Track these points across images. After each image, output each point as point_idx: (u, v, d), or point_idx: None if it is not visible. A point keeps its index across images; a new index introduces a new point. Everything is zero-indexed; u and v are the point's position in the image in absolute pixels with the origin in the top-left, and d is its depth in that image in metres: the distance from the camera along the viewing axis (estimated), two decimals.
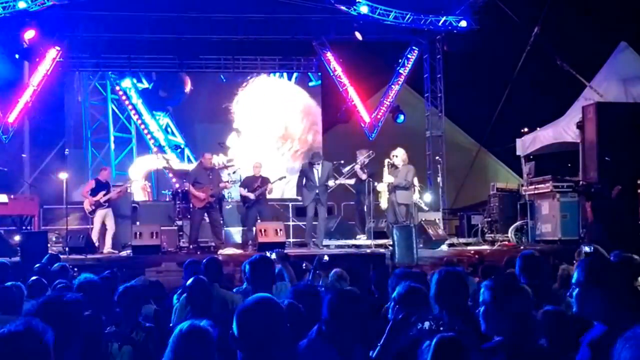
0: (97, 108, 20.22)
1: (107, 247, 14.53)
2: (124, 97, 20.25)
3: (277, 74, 20.97)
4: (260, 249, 13.27)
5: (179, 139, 20.30)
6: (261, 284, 5.68)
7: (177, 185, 16.21)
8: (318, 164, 14.65)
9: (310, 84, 21.01)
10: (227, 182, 15.40)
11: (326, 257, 9.97)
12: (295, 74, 21.01)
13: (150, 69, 20.34)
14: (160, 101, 20.39)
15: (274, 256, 6.87)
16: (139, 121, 20.19)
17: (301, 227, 16.98)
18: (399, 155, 14.45)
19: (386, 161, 14.54)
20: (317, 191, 14.54)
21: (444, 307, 4.67)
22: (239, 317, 3.44)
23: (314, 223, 14.88)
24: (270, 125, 20.68)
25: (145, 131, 20.18)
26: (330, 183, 14.70)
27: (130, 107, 20.23)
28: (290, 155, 20.75)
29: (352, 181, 16.36)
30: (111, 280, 6.93)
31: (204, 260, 7.47)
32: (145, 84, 20.38)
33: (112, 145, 20.20)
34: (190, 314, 5.93)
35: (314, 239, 14.80)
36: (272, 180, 15.07)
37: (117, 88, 20.25)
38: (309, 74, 20.97)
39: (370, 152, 15.92)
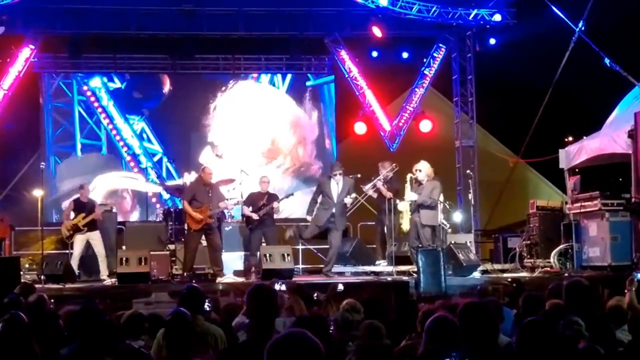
0: (61, 111, 20.33)
1: (104, 274, 14.64)
2: (92, 99, 20.34)
3: (264, 75, 21.00)
4: (265, 277, 13.30)
5: (155, 147, 20.36)
6: (262, 319, 5.68)
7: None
8: (339, 174, 14.53)
9: (308, 83, 21.05)
10: (228, 200, 15.44)
11: (341, 287, 10.02)
12: (289, 75, 20.99)
13: (138, 71, 20.46)
14: (135, 103, 20.52)
15: (282, 287, 6.88)
16: (110, 126, 20.28)
17: (312, 251, 16.99)
18: (423, 170, 14.46)
19: (408, 176, 14.56)
20: (333, 210, 14.51)
21: (469, 342, 4.78)
22: (269, 353, 3.45)
23: (323, 246, 14.86)
24: (254, 139, 20.61)
25: (118, 137, 20.28)
26: (347, 200, 14.67)
27: (99, 109, 20.31)
28: (280, 172, 20.68)
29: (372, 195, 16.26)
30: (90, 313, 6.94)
31: (183, 290, 7.51)
32: (117, 84, 20.47)
33: (79, 154, 20.29)
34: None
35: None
36: (280, 197, 15.13)
37: (85, 88, 20.32)
38: (309, 75, 20.99)
39: (394, 165, 15.90)
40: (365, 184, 15.56)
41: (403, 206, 14.62)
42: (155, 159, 20.22)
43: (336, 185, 14.56)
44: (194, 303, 7.12)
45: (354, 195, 14.94)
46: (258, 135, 20.60)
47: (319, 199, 14.71)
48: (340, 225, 14.66)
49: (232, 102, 20.61)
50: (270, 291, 5.88)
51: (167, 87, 20.60)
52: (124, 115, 20.37)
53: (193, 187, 14.98)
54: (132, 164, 20.15)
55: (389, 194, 15.18)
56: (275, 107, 20.88)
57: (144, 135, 20.45)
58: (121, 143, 20.29)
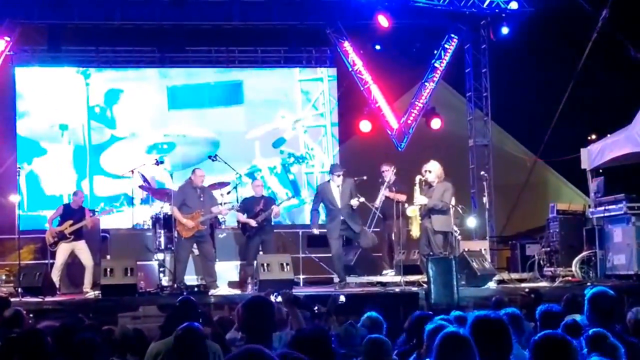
0: None
1: (87, 286, 14.66)
2: None
3: None
4: (262, 288, 13.30)
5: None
6: (257, 333, 5.68)
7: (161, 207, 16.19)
8: (338, 175, 14.61)
9: (300, 78, 21.09)
10: (222, 204, 15.46)
11: (342, 298, 10.02)
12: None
13: (123, 65, 20.47)
14: None
15: (279, 299, 6.88)
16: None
17: (314, 260, 16.99)
18: (433, 170, 14.45)
19: (417, 178, 14.54)
20: (341, 217, 14.56)
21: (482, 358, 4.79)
22: None
23: (324, 255, 14.88)
24: None
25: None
26: (354, 202, 14.64)
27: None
28: None
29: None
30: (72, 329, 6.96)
31: (176, 302, 7.50)
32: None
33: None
34: None
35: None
36: (279, 201, 15.15)
37: None
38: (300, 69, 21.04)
39: (392, 167, 15.87)
40: (371, 201, 15.50)
41: (411, 211, 14.60)
42: None
43: (337, 190, 14.59)
44: (189, 316, 7.11)
45: (362, 199, 14.92)
46: None
47: (321, 209, 14.75)
48: (357, 226, 14.70)
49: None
50: (266, 304, 5.89)
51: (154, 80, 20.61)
52: None
53: (183, 191, 14.94)
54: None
55: (401, 197, 15.15)
56: None
57: None
58: None
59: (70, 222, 14.86)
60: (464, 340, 4.84)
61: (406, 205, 14.87)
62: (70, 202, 15.53)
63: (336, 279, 15.02)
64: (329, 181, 14.94)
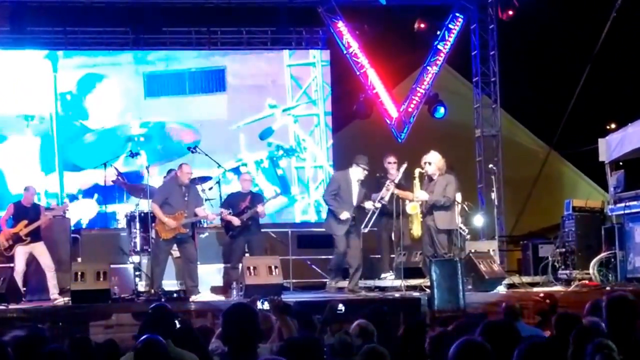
0: None
1: (54, 294, 14.61)
2: None
3: None
4: (248, 294, 13.31)
5: None
6: (240, 344, 5.67)
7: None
8: (364, 169, 14.56)
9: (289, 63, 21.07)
10: (206, 200, 15.46)
11: (341, 307, 10.01)
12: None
13: (94, 47, 20.41)
14: None
15: (266, 306, 6.86)
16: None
17: (305, 263, 16.99)
18: (433, 162, 14.41)
19: (417, 171, 14.51)
20: (352, 214, 14.63)
21: None
22: None
23: (317, 257, 14.86)
24: None
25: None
26: (368, 205, 14.67)
27: None
28: None
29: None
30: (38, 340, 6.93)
31: (149, 309, 7.49)
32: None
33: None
34: None
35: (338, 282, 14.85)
36: (267, 197, 15.15)
37: None
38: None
39: (404, 164, 15.78)
40: (376, 199, 15.43)
41: (412, 208, 14.60)
42: None
43: (357, 184, 14.64)
44: (163, 325, 7.10)
45: (379, 204, 14.87)
46: None
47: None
48: (359, 231, 14.77)
49: None
50: (249, 311, 5.87)
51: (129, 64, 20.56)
52: None
53: (166, 188, 14.94)
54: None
55: (410, 195, 15.02)
56: None
57: None
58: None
59: (25, 222, 14.73)
60: (484, 350, 4.84)
61: (407, 202, 14.86)
62: (21, 199, 15.31)
63: (330, 282, 15.02)
64: (347, 170, 14.85)
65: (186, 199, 14.53)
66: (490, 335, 5.08)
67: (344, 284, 15.20)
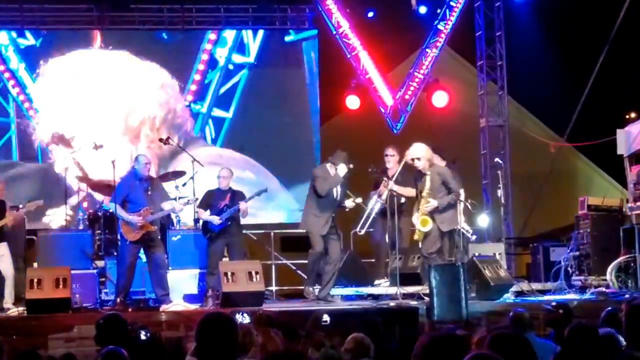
0: None
1: (8, 301, 14.48)
2: None
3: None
4: (226, 303, 13.28)
5: None
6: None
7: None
8: (344, 167, 14.53)
9: (287, 38, 21.02)
10: (177, 199, 15.41)
11: (326, 317, 9.98)
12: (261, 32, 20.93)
13: (54, 26, 20.29)
14: None
15: (246, 318, 6.83)
16: (21, 96, 20.11)
17: (290, 268, 16.96)
18: (423, 155, 14.16)
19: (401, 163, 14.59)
20: (333, 214, 14.63)
21: None
22: None
23: (304, 261, 14.77)
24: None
25: (31, 111, 20.10)
26: (349, 203, 14.67)
27: (6, 74, 20.12)
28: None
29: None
30: None
31: (100, 320, 7.47)
32: (30, 40, 20.28)
33: None
34: None
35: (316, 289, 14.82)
36: (249, 195, 15.11)
37: None
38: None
39: (399, 152, 15.76)
40: (372, 194, 15.37)
41: (422, 222, 14.44)
42: None
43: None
44: (114, 337, 7.07)
45: (359, 199, 14.86)
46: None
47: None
48: (339, 234, 14.84)
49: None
50: (227, 323, 5.83)
51: (97, 45, 20.43)
52: None
53: (125, 184, 14.85)
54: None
55: (410, 192, 15.00)
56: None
57: None
58: (36, 119, 20.10)
59: None
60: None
61: (402, 199, 14.83)
62: None
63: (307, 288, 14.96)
64: (327, 165, 14.83)
65: (149, 193, 14.50)
66: (500, 348, 5.04)
67: (339, 290, 15.28)
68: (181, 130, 20.16)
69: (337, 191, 14.62)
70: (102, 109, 19.98)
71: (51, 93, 20.00)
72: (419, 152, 14.15)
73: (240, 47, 20.87)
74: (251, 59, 20.89)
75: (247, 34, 20.94)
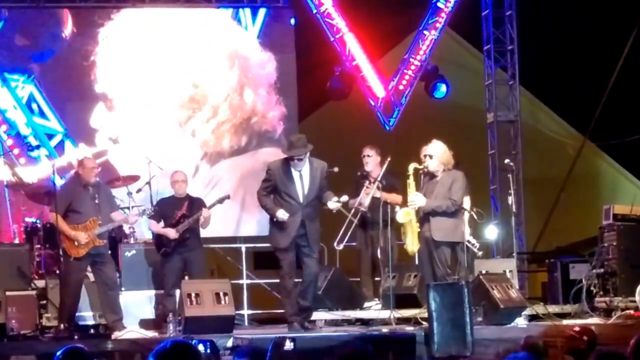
0: None
1: None
2: None
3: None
4: (188, 329, 13.33)
5: (52, 123, 20.27)
6: None
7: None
8: (300, 159, 13.90)
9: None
10: (130, 209, 15.46)
11: (289, 344, 10.04)
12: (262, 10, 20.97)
13: (17, 4, 20.31)
14: (18, 54, 20.35)
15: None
16: None
17: (264, 288, 17.01)
18: (437, 155, 14.26)
19: (411, 167, 14.49)
20: (300, 218, 14.01)
21: None
22: None
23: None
24: (168, 84, 20.44)
25: None
26: (332, 204, 14.14)
27: None
28: (209, 131, 20.49)
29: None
30: None
31: (59, 354, 7.54)
32: None
33: None
34: None
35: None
36: (209, 203, 15.13)
37: None
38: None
39: (387, 158, 15.77)
40: (353, 204, 15.40)
41: (404, 215, 14.55)
42: (54, 142, 20.07)
43: (299, 177, 14.10)
44: None
45: (345, 197, 14.70)
46: (174, 78, 20.39)
47: (275, 199, 14.25)
48: (315, 244, 14.28)
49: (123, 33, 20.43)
50: (191, 352, 5.92)
51: (68, 29, 20.44)
52: (1, 74, 20.24)
53: (68, 192, 14.84)
54: (15, 150, 19.95)
55: (397, 198, 15.06)
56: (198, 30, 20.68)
57: (34, 106, 20.27)
58: None
59: None
60: None
61: (397, 208, 14.87)
62: None
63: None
64: (287, 162, 14.11)
65: (96, 201, 14.45)
66: None
67: (323, 315, 15.31)
68: None
69: (302, 190, 14.03)
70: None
71: None
72: (434, 150, 14.16)
73: None
74: None
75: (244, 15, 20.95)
